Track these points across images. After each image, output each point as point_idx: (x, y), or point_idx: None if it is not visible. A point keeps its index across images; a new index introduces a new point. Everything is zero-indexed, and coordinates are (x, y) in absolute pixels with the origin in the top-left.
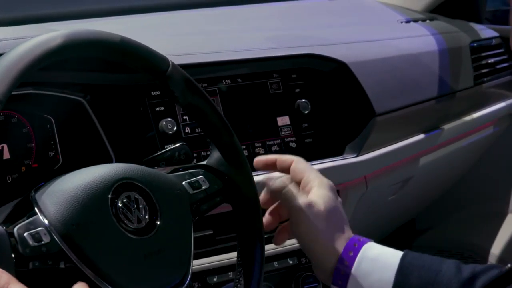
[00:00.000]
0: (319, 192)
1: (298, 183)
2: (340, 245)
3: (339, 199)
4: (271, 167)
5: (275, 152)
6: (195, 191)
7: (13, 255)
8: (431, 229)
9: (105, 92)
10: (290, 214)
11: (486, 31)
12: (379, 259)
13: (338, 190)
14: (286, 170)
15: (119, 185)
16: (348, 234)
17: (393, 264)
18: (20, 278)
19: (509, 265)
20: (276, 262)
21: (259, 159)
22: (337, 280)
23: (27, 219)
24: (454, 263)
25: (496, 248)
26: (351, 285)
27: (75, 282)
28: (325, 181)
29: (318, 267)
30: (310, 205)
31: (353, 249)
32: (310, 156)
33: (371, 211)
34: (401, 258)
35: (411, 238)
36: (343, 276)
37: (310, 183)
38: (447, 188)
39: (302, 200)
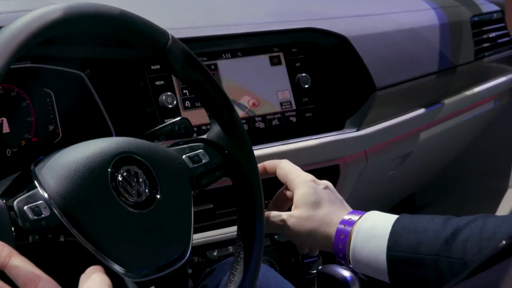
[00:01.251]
0: (298, 195)
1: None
2: (333, 230)
3: (325, 185)
4: (266, 173)
5: (275, 126)
6: (195, 165)
7: (12, 229)
8: (430, 205)
9: (104, 66)
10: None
11: (487, 5)
12: (373, 229)
13: (338, 165)
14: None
15: (119, 159)
16: (340, 215)
17: (386, 232)
18: (20, 252)
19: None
20: (276, 236)
21: None
22: (339, 257)
23: (26, 192)
24: (441, 219)
25: None
26: (354, 253)
27: (75, 255)
28: (303, 179)
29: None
30: (290, 220)
31: (343, 231)
32: (310, 130)
33: (371, 186)
34: (393, 224)
35: (410, 213)
36: (342, 254)
37: (292, 185)
38: (447, 163)
39: (283, 217)
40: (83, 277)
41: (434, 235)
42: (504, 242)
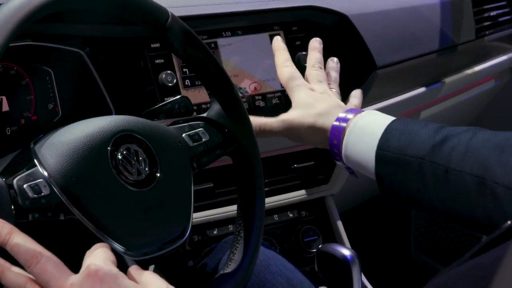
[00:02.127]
0: (295, 99)
1: None
2: (328, 127)
3: (322, 90)
4: None
5: (275, 105)
6: (195, 144)
7: (12, 207)
8: None
9: (104, 45)
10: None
11: None
12: (367, 127)
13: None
14: None
15: (119, 137)
16: (335, 113)
17: (379, 131)
18: (20, 230)
19: None
20: (276, 215)
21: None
22: (334, 153)
23: (26, 171)
24: (434, 126)
25: None
26: (346, 149)
27: (75, 234)
28: (301, 85)
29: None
30: (287, 119)
31: (338, 127)
32: None
33: None
34: (387, 125)
35: None
36: (337, 150)
37: (291, 92)
38: None
39: (281, 117)
40: (88, 253)
41: (423, 140)
42: (509, 222)
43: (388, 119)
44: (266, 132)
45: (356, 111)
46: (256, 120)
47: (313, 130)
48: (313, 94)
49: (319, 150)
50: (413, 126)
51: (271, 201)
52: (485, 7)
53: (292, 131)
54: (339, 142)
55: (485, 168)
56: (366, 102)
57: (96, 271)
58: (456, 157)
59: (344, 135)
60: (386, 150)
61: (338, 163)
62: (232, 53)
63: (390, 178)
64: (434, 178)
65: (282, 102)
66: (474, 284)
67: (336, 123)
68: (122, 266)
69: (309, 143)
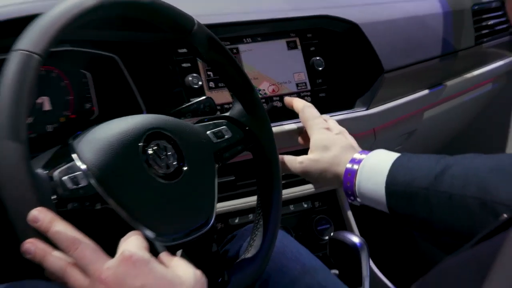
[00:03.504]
0: (312, 141)
1: None
2: (341, 170)
3: (338, 131)
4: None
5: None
6: (219, 140)
7: (53, 197)
8: None
9: (136, 50)
10: None
11: None
12: (375, 167)
13: None
14: None
15: (150, 134)
16: (348, 156)
17: (386, 168)
18: (61, 218)
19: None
20: (292, 206)
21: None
22: (348, 195)
23: (66, 164)
24: (435, 158)
25: None
26: (359, 188)
27: (110, 222)
28: (318, 127)
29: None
30: (305, 162)
31: (351, 170)
32: (323, 109)
33: None
34: (392, 163)
35: None
36: (351, 191)
37: (309, 131)
38: (448, 141)
39: (299, 159)
40: (122, 240)
41: (427, 172)
42: (505, 215)
43: (393, 156)
44: (284, 170)
45: (365, 152)
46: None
47: (328, 174)
48: (329, 136)
49: None
50: (415, 160)
51: (287, 192)
52: (484, 16)
53: (308, 175)
54: (352, 184)
55: (485, 190)
56: (375, 103)
57: (130, 256)
58: (457, 183)
59: (356, 176)
60: (394, 185)
61: (353, 202)
62: (252, 57)
63: (402, 209)
64: (439, 205)
65: None
66: (475, 269)
67: (349, 165)
68: (153, 252)
69: (325, 184)
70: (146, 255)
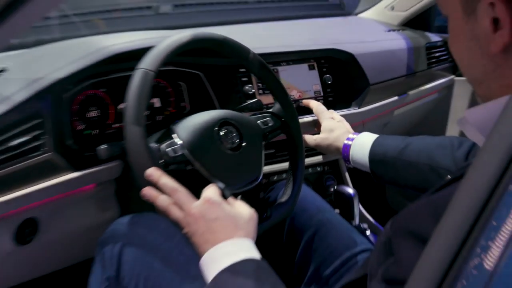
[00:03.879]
0: (322, 126)
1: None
2: (341, 145)
3: (339, 119)
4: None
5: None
6: (265, 126)
7: (161, 161)
8: None
9: (213, 69)
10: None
11: (434, 37)
12: (362, 144)
13: None
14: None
15: (222, 122)
16: (345, 136)
17: (369, 145)
18: (166, 174)
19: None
20: (310, 169)
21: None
22: (345, 160)
23: (169, 140)
24: (401, 138)
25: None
26: (352, 157)
27: (195, 178)
28: (327, 117)
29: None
30: (317, 139)
31: (347, 145)
32: (331, 107)
33: None
34: (373, 141)
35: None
36: (346, 158)
37: (320, 120)
38: (409, 129)
39: (313, 137)
40: (204, 190)
41: (395, 147)
42: (449, 176)
43: (374, 136)
44: (305, 144)
45: (356, 134)
46: None
47: (332, 147)
48: (333, 123)
49: None
50: (388, 139)
51: (307, 161)
52: (433, 50)
53: (320, 147)
54: (347, 154)
55: (432, 159)
56: (363, 105)
57: (209, 199)
58: (414, 154)
59: (350, 148)
60: (374, 155)
61: (347, 164)
62: (286, 74)
63: (379, 171)
64: (403, 168)
65: None
66: (431, 211)
67: (346, 142)
68: (224, 197)
69: (330, 154)
70: (219, 198)
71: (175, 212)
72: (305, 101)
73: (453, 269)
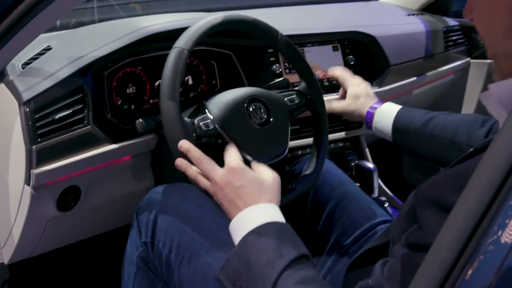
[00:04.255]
0: (348, 93)
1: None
2: (364, 112)
3: (364, 86)
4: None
5: (334, 84)
6: (291, 104)
7: (194, 134)
8: None
9: (243, 49)
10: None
11: (451, 21)
12: (386, 112)
13: None
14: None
15: (251, 99)
16: (369, 103)
17: (393, 114)
18: (198, 147)
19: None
20: (333, 144)
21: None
22: (368, 127)
23: (201, 115)
24: (423, 111)
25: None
26: (375, 124)
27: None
28: (352, 83)
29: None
30: (343, 105)
31: (370, 113)
32: None
33: None
34: (397, 111)
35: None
36: (369, 125)
37: (346, 87)
38: (426, 108)
39: (340, 103)
40: (225, 155)
41: (419, 119)
42: (471, 149)
43: (398, 107)
44: (331, 110)
45: (380, 103)
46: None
47: (357, 112)
48: (359, 90)
49: None
50: (412, 112)
51: (330, 137)
52: (450, 34)
53: (344, 113)
54: (371, 120)
55: (455, 134)
56: (384, 85)
57: (233, 167)
58: (438, 128)
59: (373, 116)
60: (397, 124)
61: (369, 131)
62: (311, 55)
63: (400, 140)
64: (425, 140)
65: (338, 83)
66: (455, 181)
67: (370, 110)
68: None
69: (353, 119)
70: (242, 165)
71: (203, 181)
72: (330, 72)
73: (475, 238)
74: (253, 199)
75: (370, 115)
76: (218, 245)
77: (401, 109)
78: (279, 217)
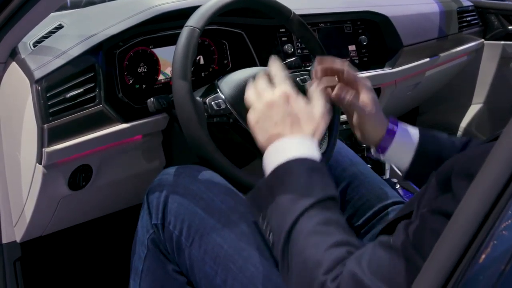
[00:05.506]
0: (367, 98)
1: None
2: (383, 126)
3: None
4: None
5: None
6: (303, 84)
7: (205, 114)
8: (427, 112)
9: (255, 28)
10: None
11: (465, 2)
12: (408, 133)
13: (379, 87)
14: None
15: None
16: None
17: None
18: (209, 126)
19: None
20: (344, 125)
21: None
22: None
23: (213, 95)
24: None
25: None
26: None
27: (236, 130)
28: (366, 85)
29: (368, 140)
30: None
31: (391, 130)
32: (366, 68)
33: (397, 100)
34: (420, 133)
35: (415, 117)
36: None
37: (360, 87)
38: (439, 89)
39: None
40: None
41: (448, 140)
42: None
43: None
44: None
45: (395, 125)
46: None
47: (377, 129)
48: (374, 95)
49: None
50: (440, 134)
51: (342, 117)
52: (464, 15)
53: (364, 126)
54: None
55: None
56: (397, 65)
57: (286, 91)
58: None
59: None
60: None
61: (379, 155)
62: (323, 35)
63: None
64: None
65: (351, 63)
66: (482, 154)
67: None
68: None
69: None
70: (295, 92)
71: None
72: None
73: (494, 213)
74: (298, 129)
75: (392, 132)
76: (229, 226)
77: (422, 131)
78: (315, 154)
